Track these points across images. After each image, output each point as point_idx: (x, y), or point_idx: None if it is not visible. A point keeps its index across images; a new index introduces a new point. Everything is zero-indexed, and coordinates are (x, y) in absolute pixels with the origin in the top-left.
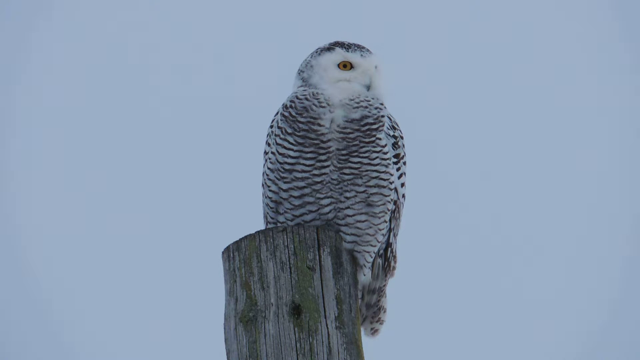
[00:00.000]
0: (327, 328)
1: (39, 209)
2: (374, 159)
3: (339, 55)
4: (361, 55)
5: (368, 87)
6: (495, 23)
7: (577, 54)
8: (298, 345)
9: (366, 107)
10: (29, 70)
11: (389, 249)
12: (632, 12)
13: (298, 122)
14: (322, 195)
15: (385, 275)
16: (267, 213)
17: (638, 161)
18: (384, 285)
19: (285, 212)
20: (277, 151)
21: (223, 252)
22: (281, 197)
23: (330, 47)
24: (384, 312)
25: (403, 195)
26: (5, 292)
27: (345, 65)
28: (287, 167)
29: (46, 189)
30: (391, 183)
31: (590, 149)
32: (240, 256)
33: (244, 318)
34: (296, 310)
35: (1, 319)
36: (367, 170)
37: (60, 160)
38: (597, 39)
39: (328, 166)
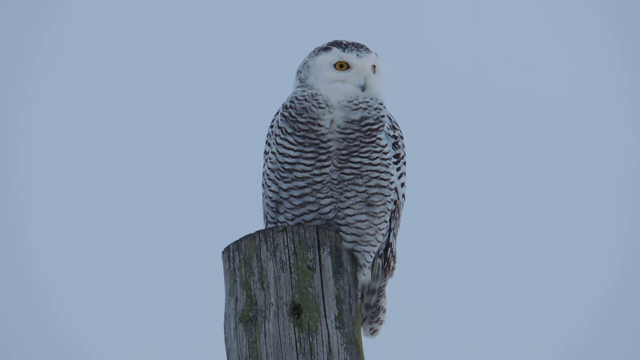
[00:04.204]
0: (327, 328)
1: (40, 209)
2: (375, 159)
3: (335, 55)
4: (357, 55)
5: (363, 88)
6: (494, 23)
7: (574, 56)
8: (298, 345)
9: (366, 109)
10: (29, 70)
11: (389, 249)
12: (626, 14)
13: (298, 122)
14: (322, 195)
15: (385, 276)
16: (267, 213)
17: (637, 161)
18: (383, 286)
19: (286, 211)
20: (278, 151)
21: (223, 252)
22: (281, 197)
23: (327, 47)
24: (384, 312)
25: (403, 195)
26: (7, 293)
27: (342, 66)
28: (287, 166)
29: (47, 190)
30: (391, 183)
31: (588, 148)
32: (240, 256)
33: (244, 318)
34: (296, 310)
35: (3, 319)
36: (367, 170)
37: (60, 161)
38: (592, 39)
39: (328, 166)
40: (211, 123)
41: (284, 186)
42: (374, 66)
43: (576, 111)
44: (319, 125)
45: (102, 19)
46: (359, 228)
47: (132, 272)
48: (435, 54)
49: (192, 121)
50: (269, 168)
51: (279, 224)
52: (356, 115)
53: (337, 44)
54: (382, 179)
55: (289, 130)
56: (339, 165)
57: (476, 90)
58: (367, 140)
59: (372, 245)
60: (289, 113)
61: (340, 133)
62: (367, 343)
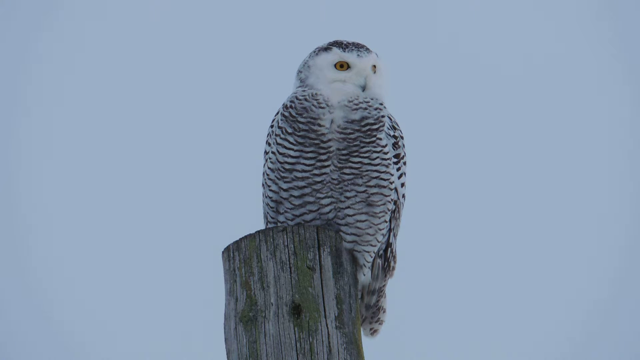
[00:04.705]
0: (327, 328)
1: (40, 209)
2: (375, 159)
3: (336, 55)
4: (358, 55)
5: (363, 88)
6: (494, 23)
7: (574, 55)
8: (298, 345)
9: (366, 109)
10: (30, 70)
11: (389, 249)
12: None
13: (298, 122)
14: (322, 195)
15: (385, 276)
16: (267, 213)
17: (635, 160)
18: (383, 286)
19: (286, 211)
20: (278, 151)
21: (223, 252)
22: (281, 197)
23: (327, 47)
24: (384, 312)
25: (403, 196)
26: (7, 293)
27: (342, 66)
28: (287, 166)
29: (47, 190)
30: (391, 183)
31: (587, 147)
32: (240, 256)
33: (244, 318)
34: (296, 310)
35: (3, 319)
36: (367, 170)
37: (60, 161)
38: (590, 42)
39: (328, 166)
40: (211, 123)
41: (284, 186)
42: (374, 66)
43: (576, 110)
44: (319, 125)
45: (102, 19)
46: (359, 228)
47: (133, 273)
48: (434, 53)
49: (193, 121)
50: (269, 168)
51: (279, 224)
52: (356, 115)
53: (338, 44)
54: (382, 179)
55: (289, 130)
56: (339, 165)
57: (475, 90)
58: (367, 140)
59: (372, 245)
60: (289, 113)
61: (341, 133)
62: (367, 343)
